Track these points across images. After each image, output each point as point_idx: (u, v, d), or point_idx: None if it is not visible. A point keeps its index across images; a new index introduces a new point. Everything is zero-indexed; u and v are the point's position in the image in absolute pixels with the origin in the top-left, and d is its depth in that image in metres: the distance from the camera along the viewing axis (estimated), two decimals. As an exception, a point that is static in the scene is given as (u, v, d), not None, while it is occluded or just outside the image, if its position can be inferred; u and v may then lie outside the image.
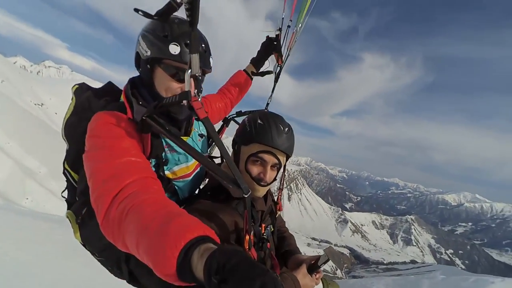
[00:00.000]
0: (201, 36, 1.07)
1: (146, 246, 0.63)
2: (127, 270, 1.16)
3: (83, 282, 4.01)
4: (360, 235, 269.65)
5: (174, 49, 0.96)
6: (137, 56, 1.08)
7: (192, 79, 0.90)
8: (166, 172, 1.11)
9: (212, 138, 0.84)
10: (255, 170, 1.16)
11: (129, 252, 0.71)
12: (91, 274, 4.19)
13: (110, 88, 1.24)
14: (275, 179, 1.22)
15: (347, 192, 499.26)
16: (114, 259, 1.16)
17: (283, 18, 1.71)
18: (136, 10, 0.77)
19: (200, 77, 0.91)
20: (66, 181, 1.23)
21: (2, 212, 7.36)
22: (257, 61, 1.78)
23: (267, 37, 1.75)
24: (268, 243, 1.24)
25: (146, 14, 0.79)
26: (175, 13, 0.91)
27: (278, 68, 1.83)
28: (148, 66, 1.03)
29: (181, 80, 1.03)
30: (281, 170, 1.27)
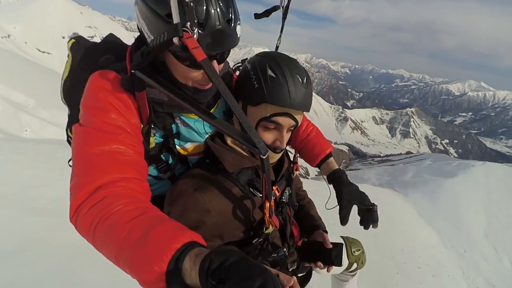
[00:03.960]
0: None
1: (127, 261, 0.58)
2: None
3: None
4: (359, 132, 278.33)
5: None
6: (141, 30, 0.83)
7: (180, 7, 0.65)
8: (178, 147, 1.00)
9: (212, 82, 0.70)
10: (269, 137, 0.95)
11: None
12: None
13: (112, 43, 1.06)
14: (290, 140, 1.03)
15: (349, 89, 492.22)
16: None
17: None
18: None
19: (190, 4, 0.67)
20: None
21: (5, 142, 7.87)
22: None
23: None
24: (288, 209, 1.12)
25: None
26: None
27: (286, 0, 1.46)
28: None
29: (199, 66, 0.76)
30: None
